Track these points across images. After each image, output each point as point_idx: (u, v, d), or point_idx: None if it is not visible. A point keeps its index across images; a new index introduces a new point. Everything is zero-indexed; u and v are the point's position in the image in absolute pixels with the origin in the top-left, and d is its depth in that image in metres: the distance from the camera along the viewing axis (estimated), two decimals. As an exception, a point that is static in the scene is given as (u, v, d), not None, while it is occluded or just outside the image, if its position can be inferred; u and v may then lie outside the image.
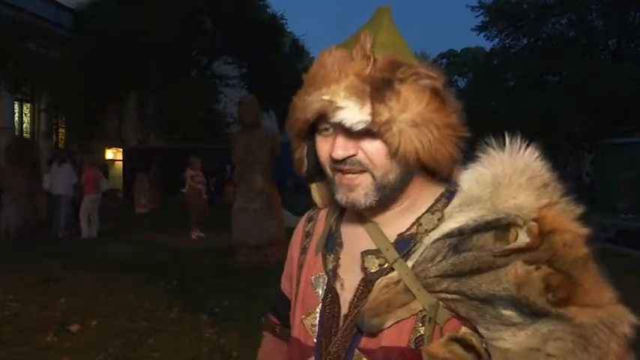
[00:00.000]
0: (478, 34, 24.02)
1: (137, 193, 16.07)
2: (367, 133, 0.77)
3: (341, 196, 0.82)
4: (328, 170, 0.83)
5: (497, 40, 24.00)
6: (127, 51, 17.17)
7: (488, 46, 30.10)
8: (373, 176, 0.79)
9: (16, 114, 18.75)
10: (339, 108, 0.75)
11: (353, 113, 0.75)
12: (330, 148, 0.80)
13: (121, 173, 21.09)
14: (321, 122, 0.81)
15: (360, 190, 0.80)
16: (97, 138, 19.16)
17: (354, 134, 0.78)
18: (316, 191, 0.96)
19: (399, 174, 0.80)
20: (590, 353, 0.66)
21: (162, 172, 17.52)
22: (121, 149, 21.85)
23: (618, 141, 17.92)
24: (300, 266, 0.97)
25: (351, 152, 0.78)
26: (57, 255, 8.12)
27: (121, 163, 21.75)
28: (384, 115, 0.75)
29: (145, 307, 5.42)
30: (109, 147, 21.63)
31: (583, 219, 0.73)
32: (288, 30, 26.62)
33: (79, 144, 18.51)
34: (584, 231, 0.71)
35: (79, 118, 18.20)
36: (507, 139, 0.77)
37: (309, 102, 0.79)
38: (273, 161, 8.05)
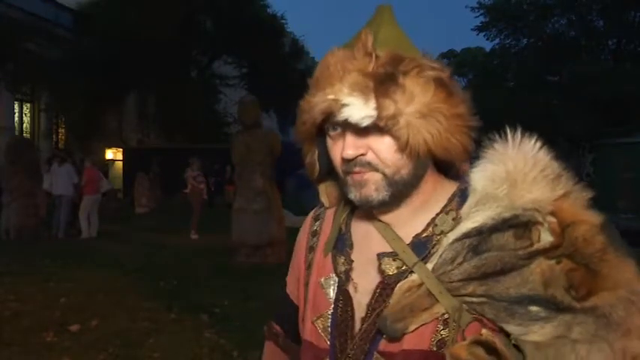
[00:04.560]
0: (478, 34, 24.05)
1: (137, 193, 16.06)
2: (375, 130, 0.77)
3: (354, 194, 0.81)
4: (340, 173, 0.83)
5: (497, 40, 24.05)
6: (127, 51, 17.17)
7: (488, 46, 30.16)
8: (384, 174, 0.79)
9: (16, 114, 18.76)
10: (344, 105, 0.75)
11: (358, 109, 0.74)
12: (341, 149, 0.79)
13: (121, 173, 21.07)
14: (329, 124, 0.81)
15: (371, 185, 0.79)
16: (97, 138, 19.17)
17: (362, 133, 0.78)
18: (324, 191, 0.95)
19: (412, 169, 0.79)
20: (612, 331, 0.67)
21: (163, 172, 17.52)
22: (121, 149, 21.85)
23: (618, 141, 17.89)
24: (309, 266, 0.95)
25: (361, 151, 0.78)
26: (57, 255, 8.10)
27: (121, 163, 21.74)
28: (390, 109, 0.74)
29: (145, 307, 5.41)
30: (109, 147, 21.63)
31: (593, 200, 0.73)
32: (288, 30, 26.62)
33: (79, 144, 18.52)
34: (599, 219, 0.71)
35: (79, 118, 18.21)
36: (509, 134, 0.76)
37: (315, 103, 0.79)
38: (273, 161, 8.05)
